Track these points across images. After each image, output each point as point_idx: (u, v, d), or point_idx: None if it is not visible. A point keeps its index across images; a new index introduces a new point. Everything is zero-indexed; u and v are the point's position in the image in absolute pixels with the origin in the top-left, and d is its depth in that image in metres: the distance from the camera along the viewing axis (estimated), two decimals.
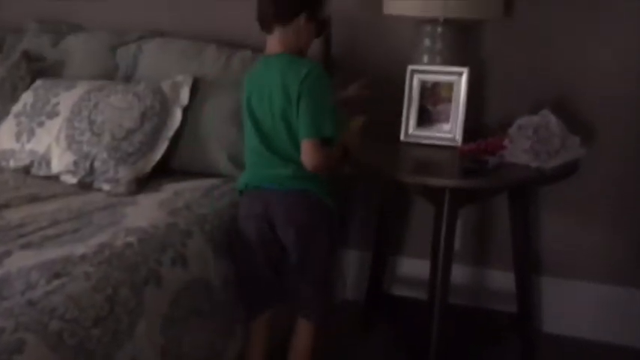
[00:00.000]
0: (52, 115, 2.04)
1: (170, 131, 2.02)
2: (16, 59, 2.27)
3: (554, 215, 2.27)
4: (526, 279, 2.24)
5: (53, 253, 1.47)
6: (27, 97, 2.12)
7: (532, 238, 2.28)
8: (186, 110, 2.05)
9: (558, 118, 1.92)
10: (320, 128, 1.63)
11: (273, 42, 1.69)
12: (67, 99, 2.05)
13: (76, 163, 1.95)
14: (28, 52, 2.33)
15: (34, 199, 1.83)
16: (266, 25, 1.69)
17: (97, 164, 1.93)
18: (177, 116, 2.03)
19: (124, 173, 1.92)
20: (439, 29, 2.04)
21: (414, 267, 2.40)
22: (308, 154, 1.63)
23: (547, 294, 2.32)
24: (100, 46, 2.30)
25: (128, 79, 2.22)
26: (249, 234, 1.72)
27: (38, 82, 2.18)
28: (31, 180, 1.98)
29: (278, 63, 1.67)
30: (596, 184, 2.19)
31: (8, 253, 1.47)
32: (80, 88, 2.08)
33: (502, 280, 2.32)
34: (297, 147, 1.66)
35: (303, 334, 1.77)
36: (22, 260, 1.44)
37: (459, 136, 2.02)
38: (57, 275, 1.37)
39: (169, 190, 1.92)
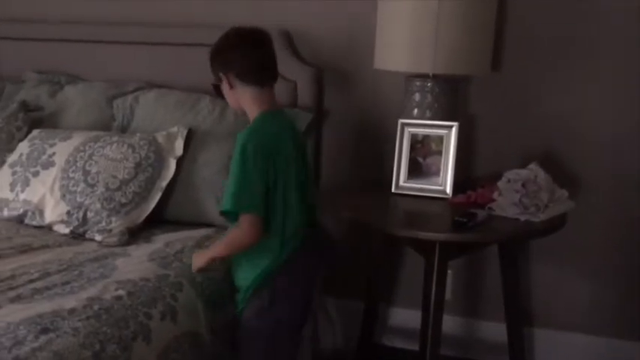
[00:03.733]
0: (48, 165, 2.06)
1: (164, 182, 2.04)
2: (14, 109, 2.30)
3: (544, 267, 2.28)
4: (518, 330, 2.23)
5: (42, 307, 1.47)
6: (23, 147, 2.15)
7: (523, 290, 2.29)
8: (180, 161, 2.08)
9: (546, 172, 1.95)
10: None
11: None
12: (62, 149, 2.08)
13: (69, 213, 1.96)
14: (26, 102, 2.36)
15: (26, 249, 1.83)
16: None
17: (89, 214, 1.95)
18: (172, 167, 2.06)
19: (117, 223, 1.93)
20: (428, 84, 2.09)
21: (405, 317, 2.39)
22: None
23: (539, 346, 2.31)
24: (98, 96, 2.34)
25: (124, 129, 2.25)
26: None
27: (35, 133, 2.21)
28: (24, 230, 1.98)
29: None
30: (585, 237, 2.21)
31: None
32: (76, 139, 2.10)
33: (494, 331, 2.31)
34: None
35: None
36: (11, 314, 1.43)
37: (449, 188, 2.05)
38: (45, 331, 1.37)
39: (161, 240, 1.93)
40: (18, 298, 1.52)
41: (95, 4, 2.58)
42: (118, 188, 1.98)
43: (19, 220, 2.03)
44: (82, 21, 2.58)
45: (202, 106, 2.20)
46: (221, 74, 1.70)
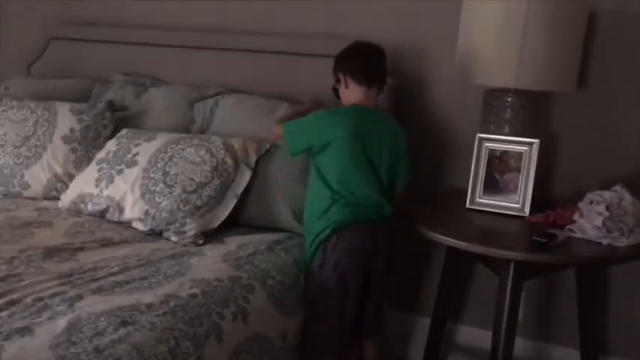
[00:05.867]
0: (131, 164, 2.13)
1: (239, 188, 2.06)
2: (101, 108, 2.40)
3: (624, 295, 2.17)
4: (592, 358, 2.14)
5: (122, 300, 1.53)
6: (111, 145, 2.23)
7: (600, 317, 2.19)
8: (255, 165, 2.11)
9: (633, 195, 1.86)
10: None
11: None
12: (146, 150, 2.14)
13: (147, 212, 2.01)
14: (113, 102, 2.46)
15: (107, 243, 1.90)
16: None
17: (165, 215, 1.99)
18: (246, 175, 2.08)
19: (191, 225, 1.97)
20: (509, 98, 2.04)
21: (473, 336, 2.33)
22: None
23: None
24: (179, 99, 2.41)
25: (203, 132, 2.31)
26: None
27: (123, 132, 2.29)
28: (105, 224, 2.06)
29: None
30: None
31: (80, 297, 1.54)
32: (159, 140, 2.17)
33: (566, 357, 2.22)
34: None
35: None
36: (92, 305, 1.50)
37: (526, 207, 1.99)
38: (124, 323, 1.42)
39: (234, 242, 1.97)
40: (99, 290, 1.58)
41: (179, 12, 2.67)
42: (194, 191, 2.02)
43: (101, 215, 2.11)
44: (166, 27, 2.68)
45: (280, 113, 2.22)
46: (340, 75, 2.03)
